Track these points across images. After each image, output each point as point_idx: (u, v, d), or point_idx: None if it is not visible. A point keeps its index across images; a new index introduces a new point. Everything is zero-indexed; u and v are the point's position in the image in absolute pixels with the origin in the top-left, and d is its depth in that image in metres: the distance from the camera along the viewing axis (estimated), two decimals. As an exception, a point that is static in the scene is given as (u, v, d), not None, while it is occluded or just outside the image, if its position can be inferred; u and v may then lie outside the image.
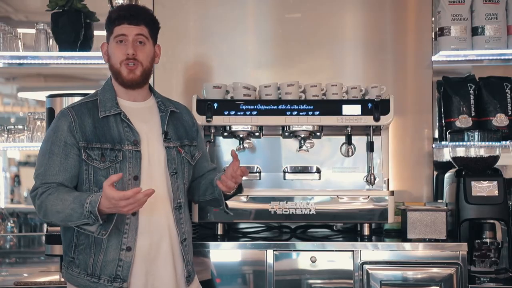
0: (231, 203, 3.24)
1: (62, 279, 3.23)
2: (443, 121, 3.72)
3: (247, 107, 3.31)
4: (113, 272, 2.58)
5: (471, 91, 3.68)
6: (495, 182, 3.23)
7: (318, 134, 3.38)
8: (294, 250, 3.16)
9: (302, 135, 3.34)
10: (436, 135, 3.82)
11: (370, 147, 3.38)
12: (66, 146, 2.59)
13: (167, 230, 2.68)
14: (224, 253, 3.19)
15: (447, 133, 3.54)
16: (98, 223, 2.47)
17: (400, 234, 3.38)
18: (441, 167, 3.77)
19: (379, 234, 3.52)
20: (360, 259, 3.12)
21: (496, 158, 3.36)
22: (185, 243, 2.73)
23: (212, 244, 3.17)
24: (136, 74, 2.67)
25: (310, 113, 3.29)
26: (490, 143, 3.38)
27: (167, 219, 2.70)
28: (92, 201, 2.45)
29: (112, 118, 2.65)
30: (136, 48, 2.65)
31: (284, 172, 3.46)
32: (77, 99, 3.25)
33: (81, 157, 2.59)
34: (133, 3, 3.63)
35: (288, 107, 3.31)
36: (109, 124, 2.64)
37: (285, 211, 3.30)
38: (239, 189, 2.87)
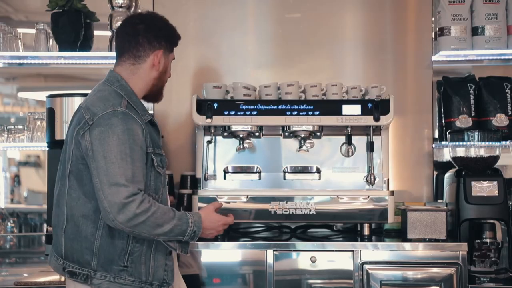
0: (230, 204, 3.26)
1: (63, 279, 3.23)
2: (443, 121, 3.72)
3: (247, 107, 3.31)
4: (162, 277, 2.61)
5: (471, 91, 3.68)
6: (495, 182, 3.23)
7: (318, 134, 3.38)
8: (294, 250, 3.16)
9: (302, 135, 3.34)
10: (436, 135, 3.82)
11: (370, 147, 3.38)
12: (142, 151, 2.53)
13: None
14: (224, 253, 3.19)
15: (447, 133, 3.54)
16: (191, 242, 2.63)
17: (400, 234, 3.38)
18: (441, 167, 3.77)
19: (379, 234, 3.52)
20: (360, 259, 3.12)
21: (496, 158, 3.36)
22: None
23: (212, 244, 3.17)
24: None
25: (310, 113, 3.29)
26: (490, 143, 3.38)
27: None
28: (196, 222, 2.60)
29: (148, 122, 2.64)
30: None
31: (284, 172, 3.46)
32: (77, 99, 3.27)
33: (151, 162, 2.57)
34: (133, 4, 3.63)
35: (288, 107, 3.31)
36: (150, 128, 2.63)
37: (285, 211, 3.30)
38: None
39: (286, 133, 3.39)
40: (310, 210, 3.30)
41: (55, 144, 3.30)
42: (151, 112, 3.17)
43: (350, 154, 3.43)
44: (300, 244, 3.18)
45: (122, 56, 2.68)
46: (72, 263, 2.56)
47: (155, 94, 2.75)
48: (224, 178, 3.44)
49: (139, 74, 2.66)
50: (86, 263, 2.54)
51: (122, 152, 2.46)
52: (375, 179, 3.38)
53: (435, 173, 3.79)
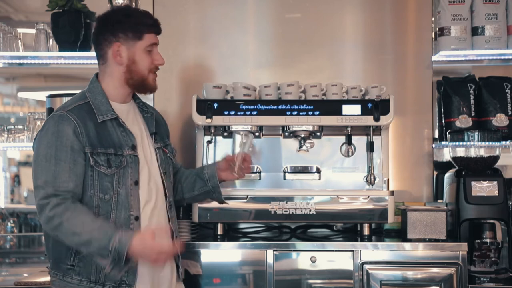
0: (230, 204, 3.26)
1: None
2: (443, 121, 3.72)
3: (247, 107, 3.31)
4: (118, 278, 2.55)
5: (471, 91, 3.68)
6: (495, 182, 3.23)
7: (318, 134, 3.38)
8: (294, 250, 3.16)
9: (302, 135, 3.34)
10: (436, 135, 3.82)
11: (370, 147, 3.38)
12: (73, 151, 2.53)
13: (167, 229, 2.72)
14: (224, 253, 3.19)
15: (447, 133, 3.54)
16: (118, 263, 2.44)
17: (400, 234, 3.38)
18: (441, 167, 3.77)
19: (379, 234, 3.52)
20: (360, 259, 3.12)
21: (496, 158, 3.36)
22: (176, 240, 2.76)
23: (212, 244, 3.17)
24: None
25: (310, 113, 3.29)
26: (490, 143, 3.38)
27: (165, 219, 2.74)
28: (121, 240, 2.43)
29: (109, 122, 2.63)
30: None
31: (284, 172, 3.46)
32: (77, 99, 3.26)
33: (88, 162, 2.55)
34: (133, 4, 3.63)
35: (288, 107, 3.30)
36: (108, 128, 2.62)
37: (285, 211, 3.30)
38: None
39: (286, 133, 3.39)
40: (310, 210, 3.30)
41: (55, 144, 3.29)
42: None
43: (350, 154, 3.43)
44: (300, 244, 3.18)
45: (97, 58, 2.74)
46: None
47: (138, 87, 2.72)
48: (224, 178, 3.44)
49: (108, 72, 2.69)
50: (48, 261, 2.66)
51: (48, 154, 2.52)
52: (375, 179, 3.38)
53: (435, 173, 3.79)
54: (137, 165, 2.63)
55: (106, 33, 2.67)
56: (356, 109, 3.30)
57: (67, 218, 2.45)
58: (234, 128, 3.32)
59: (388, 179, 3.41)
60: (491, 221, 3.22)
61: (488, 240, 3.18)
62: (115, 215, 2.57)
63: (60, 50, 3.65)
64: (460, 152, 3.41)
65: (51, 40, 3.72)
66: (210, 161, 3.38)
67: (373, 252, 3.14)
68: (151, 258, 2.48)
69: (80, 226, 2.45)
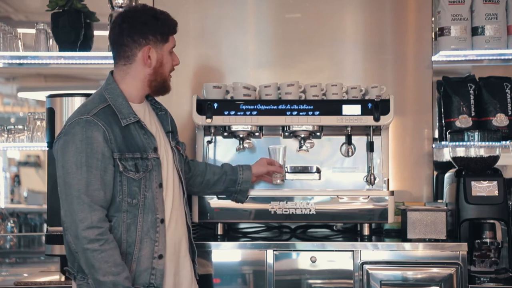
0: (231, 204, 3.26)
1: (63, 279, 3.24)
2: (443, 121, 3.72)
3: (247, 107, 3.31)
4: (147, 281, 2.55)
5: (471, 91, 3.68)
6: (495, 182, 3.23)
7: (318, 134, 3.38)
8: (294, 250, 3.16)
9: (302, 135, 3.34)
10: (436, 135, 3.82)
11: (370, 147, 3.38)
12: (104, 158, 2.48)
13: (185, 228, 2.75)
14: (224, 253, 3.19)
15: (447, 133, 3.54)
16: None
17: (400, 234, 3.38)
18: (441, 167, 3.77)
19: (379, 234, 3.52)
20: (360, 259, 3.12)
21: (496, 158, 3.36)
22: (192, 237, 2.80)
23: (212, 244, 3.17)
24: None
25: (310, 113, 3.29)
26: (490, 143, 3.38)
27: (183, 217, 2.75)
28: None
29: (132, 125, 2.59)
30: None
31: (284, 172, 3.46)
32: (77, 99, 3.27)
33: (117, 168, 2.51)
34: (133, 3, 3.63)
35: (288, 107, 3.31)
36: (132, 132, 2.58)
37: (285, 211, 3.30)
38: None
39: (286, 133, 3.39)
40: (310, 210, 3.30)
41: (55, 144, 3.30)
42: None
43: (350, 154, 3.43)
44: (300, 244, 3.18)
45: (115, 58, 2.68)
46: (69, 262, 2.61)
47: (158, 89, 2.71)
48: (224, 178, 3.44)
49: (131, 74, 2.65)
50: (71, 263, 2.58)
51: (78, 162, 2.46)
52: (375, 179, 3.38)
53: (435, 173, 3.79)
54: (160, 167, 2.63)
55: (134, 34, 2.61)
56: (356, 109, 3.30)
57: (105, 249, 2.43)
58: (234, 128, 3.32)
59: (388, 179, 3.41)
60: (491, 221, 3.22)
61: (488, 240, 3.18)
62: (142, 219, 2.55)
63: (60, 50, 3.65)
64: (460, 152, 3.41)
65: (51, 40, 3.72)
66: (210, 161, 3.38)
67: (373, 252, 3.14)
68: None
69: (100, 261, 2.42)
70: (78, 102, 3.21)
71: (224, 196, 3.23)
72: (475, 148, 3.38)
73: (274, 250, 3.14)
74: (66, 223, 2.46)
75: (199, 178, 3.10)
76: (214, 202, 3.30)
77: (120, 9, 3.59)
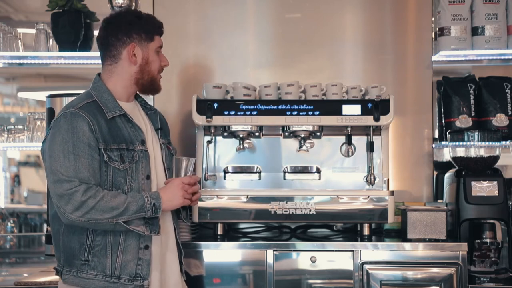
0: (231, 204, 3.26)
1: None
2: (443, 121, 3.72)
3: (247, 107, 3.31)
4: (133, 271, 2.59)
5: (471, 91, 3.68)
6: (495, 182, 3.23)
7: (318, 134, 3.38)
8: (294, 250, 3.16)
9: (302, 135, 3.34)
10: (436, 135, 3.82)
11: (370, 147, 3.38)
12: (90, 147, 2.55)
13: (172, 225, 2.77)
14: (224, 253, 3.19)
15: (447, 133, 3.54)
16: (156, 216, 2.57)
17: (400, 234, 3.38)
18: (441, 167, 3.77)
19: (379, 234, 3.52)
20: (360, 259, 3.12)
21: (496, 158, 3.36)
22: (179, 235, 2.82)
23: (212, 244, 3.18)
24: None
25: (310, 113, 3.29)
26: (490, 143, 3.38)
27: (169, 213, 2.77)
28: (152, 195, 2.58)
29: (118, 118, 2.65)
30: None
31: (284, 172, 3.46)
32: (77, 99, 3.26)
33: (102, 158, 2.57)
34: (133, 4, 3.63)
35: (288, 107, 3.31)
36: (118, 124, 2.65)
37: (285, 211, 3.30)
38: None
39: (286, 133, 3.39)
40: (310, 210, 3.30)
41: (55, 144, 3.29)
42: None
43: (350, 154, 3.43)
44: (300, 244, 3.18)
45: (102, 59, 2.76)
46: (56, 260, 2.68)
47: (147, 87, 2.76)
48: (224, 178, 3.44)
49: (117, 72, 2.71)
50: (58, 259, 2.66)
51: (65, 150, 2.52)
52: (375, 179, 3.38)
53: (435, 173, 3.79)
54: (148, 159, 2.67)
55: (118, 34, 2.69)
56: (356, 109, 3.30)
57: (101, 197, 2.49)
58: (234, 128, 3.32)
59: (388, 179, 3.41)
60: (491, 221, 3.23)
61: (488, 240, 3.18)
62: None
63: (60, 50, 3.65)
64: (460, 152, 3.42)
65: (51, 40, 3.72)
66: (210, 161, 3.39)
67: (373, 252, 3.14)
68: (179, 195, 2.62)
69: (113, 201, 2.50)
70: (78, 102, 3.20)
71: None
72: (475, 148, 3.38)
73: (274, 250, 3.14)
74: (60, 206, 2.50)
75: None
76: (214, 202, 3.30)
77: (121, 9, 3.59)
